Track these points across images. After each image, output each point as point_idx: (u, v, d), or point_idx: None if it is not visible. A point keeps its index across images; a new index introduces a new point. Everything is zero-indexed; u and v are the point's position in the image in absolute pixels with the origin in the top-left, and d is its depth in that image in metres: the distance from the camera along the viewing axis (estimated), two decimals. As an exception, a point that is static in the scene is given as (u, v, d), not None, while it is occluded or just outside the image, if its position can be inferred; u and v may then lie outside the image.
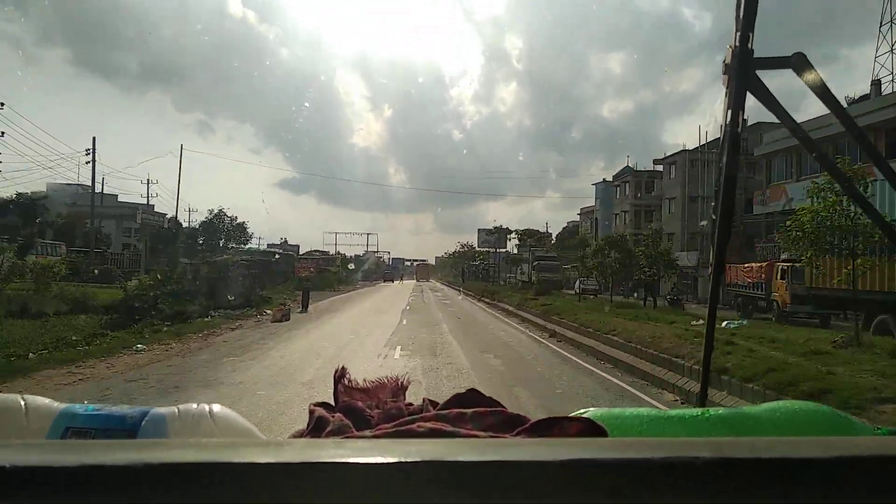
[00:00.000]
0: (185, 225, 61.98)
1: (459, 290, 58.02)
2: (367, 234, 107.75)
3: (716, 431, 0.83)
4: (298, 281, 43.03)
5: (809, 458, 0.53)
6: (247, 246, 60.19)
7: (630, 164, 54.60)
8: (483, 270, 70.74)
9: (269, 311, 25.13)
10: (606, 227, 53.26)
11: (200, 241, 57.58)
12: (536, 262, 50.11)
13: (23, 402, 0.85)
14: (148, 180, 57.31)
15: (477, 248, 73.78)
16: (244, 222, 64.96)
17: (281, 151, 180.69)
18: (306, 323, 23.40)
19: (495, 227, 68.35)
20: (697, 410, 0.87)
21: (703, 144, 38.93)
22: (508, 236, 64.16)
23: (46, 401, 0.88)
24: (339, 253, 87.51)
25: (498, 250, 68.19)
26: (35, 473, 0.47)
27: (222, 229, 62.44)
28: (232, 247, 55.66)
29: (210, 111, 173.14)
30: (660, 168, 48.10)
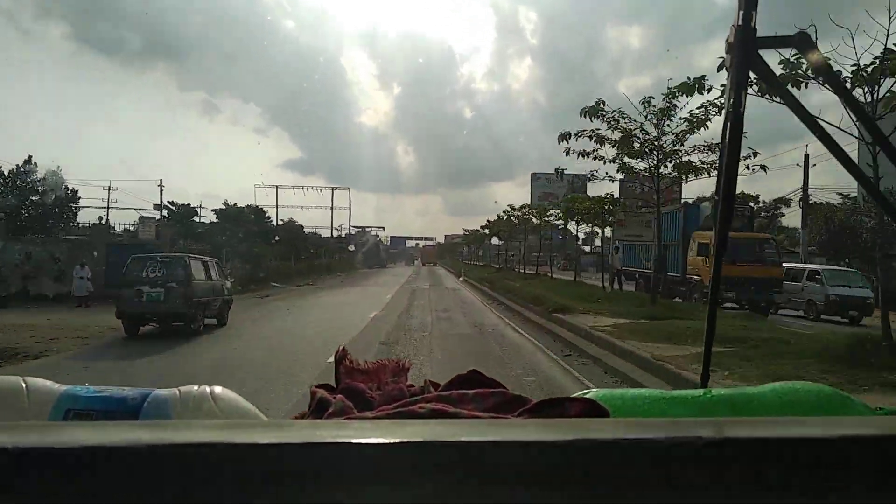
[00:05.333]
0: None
1: None
2: (333, 189, 67.03)
3: (717, 412, 0.83)
4: None
5: (809, 437, 0.53)
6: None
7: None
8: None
9: None
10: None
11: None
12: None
13: (24, 385, 0.85)
14: None
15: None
16: (74, 190, 32.46)
17: (288, 131, 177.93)
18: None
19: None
20: (699, 391, 0.87)
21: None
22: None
23: (48, 383, 0.87)
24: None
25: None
26: (38, 455, 0.47)
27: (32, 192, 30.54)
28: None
29: (214, 89, 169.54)
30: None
